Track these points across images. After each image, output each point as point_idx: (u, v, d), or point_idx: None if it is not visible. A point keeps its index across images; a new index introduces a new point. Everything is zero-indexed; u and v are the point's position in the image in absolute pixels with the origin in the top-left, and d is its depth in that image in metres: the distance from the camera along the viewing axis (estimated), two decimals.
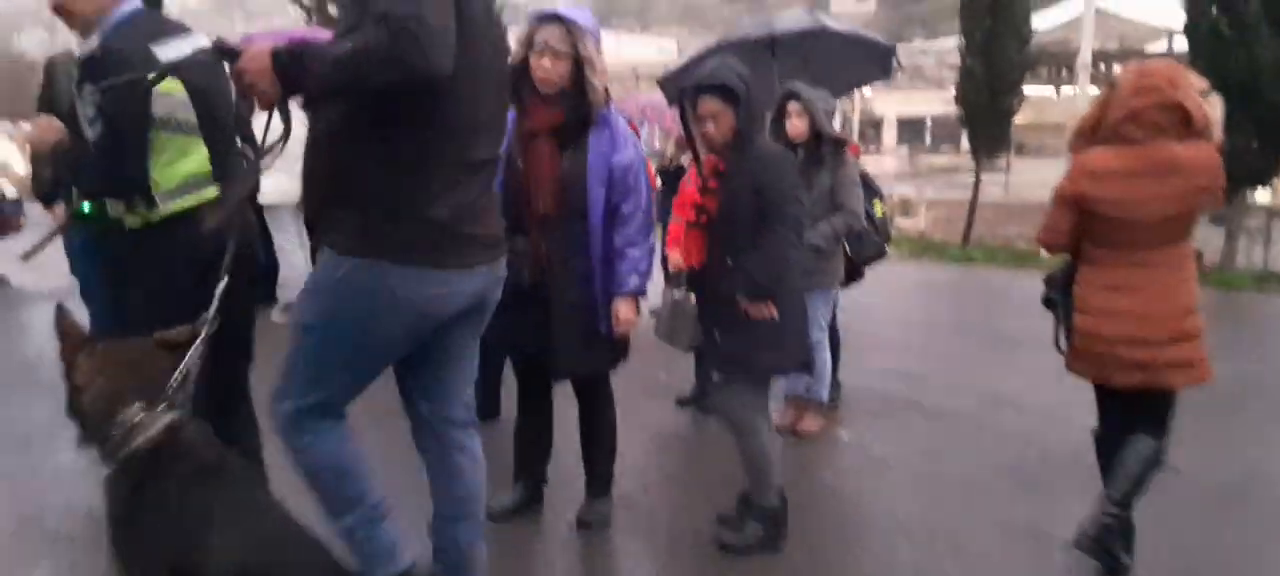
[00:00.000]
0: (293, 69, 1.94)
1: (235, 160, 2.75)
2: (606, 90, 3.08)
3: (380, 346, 2.28)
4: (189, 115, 2.63)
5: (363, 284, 2.17)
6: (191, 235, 2.54)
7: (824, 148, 4.44)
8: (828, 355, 4.81)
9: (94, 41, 2.63)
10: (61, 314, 2.06)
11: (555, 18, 3.03)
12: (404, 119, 2.09)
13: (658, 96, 8.40)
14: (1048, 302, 3.31)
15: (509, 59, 2.51)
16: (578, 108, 3.07)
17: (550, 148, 3.09)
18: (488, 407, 4.83)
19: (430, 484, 2.58)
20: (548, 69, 3.02)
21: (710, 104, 3.18)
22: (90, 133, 2.61)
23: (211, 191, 2.69)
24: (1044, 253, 4.12)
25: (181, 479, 1.90)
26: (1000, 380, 5.86)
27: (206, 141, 2.68)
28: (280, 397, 2.30)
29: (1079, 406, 3.63)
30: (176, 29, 2.70)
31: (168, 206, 2.61)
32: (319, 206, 2.29)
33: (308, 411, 2.28)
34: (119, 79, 2.42)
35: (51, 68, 4.10)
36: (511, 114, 3.17)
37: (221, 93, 2.68)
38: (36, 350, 6.09)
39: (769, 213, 3.12)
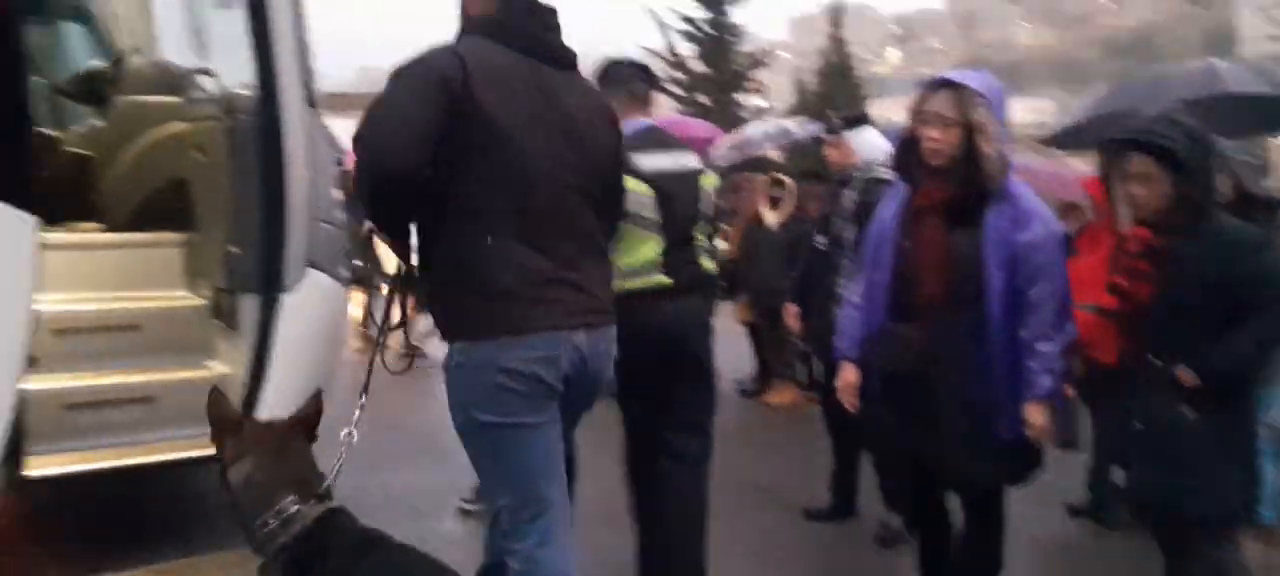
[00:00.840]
0: None
1: (684, 256, 3.14)
2: (1005, 159, 2.73)
3: (529, 421, 2.23)
4: (653, 214, 3.07)
5: (474, 362, 2.20)
6: (639, 312, 2.83)
7: (1254, 213, 3.71)
8: (1272, 465, 3.93)
9: None
10: (215, 396, 2.14)
11: (944, 83, 2.78)
12: (473, 196, 2.18)
13: (1035, 160, 7.71)
14: None
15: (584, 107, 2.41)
16: (970, 180, 2.75)
17: (940, 226, 2.79)
18: (843, 505, 4.44)
19: None
20: (935, 139, 2.76)
21: (1141, 163, 2.66)
22: None
23: (661, 278, 3.07)
24: None
25: (335, 564, 1.96)
26: None
27: (665, 237, 3.11)
28: (492, 515, 2.35)
29: None
30: (669, 144, 3.25)
31: (621, 284, 2.78)
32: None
33: (515, 517, 2.26)
34: None
35: None
36: (902, 191, 2.96)
37: (686, 200, 3.16)
38: (439, 418, 6.58)
39: (1253, 307, 2.55)
